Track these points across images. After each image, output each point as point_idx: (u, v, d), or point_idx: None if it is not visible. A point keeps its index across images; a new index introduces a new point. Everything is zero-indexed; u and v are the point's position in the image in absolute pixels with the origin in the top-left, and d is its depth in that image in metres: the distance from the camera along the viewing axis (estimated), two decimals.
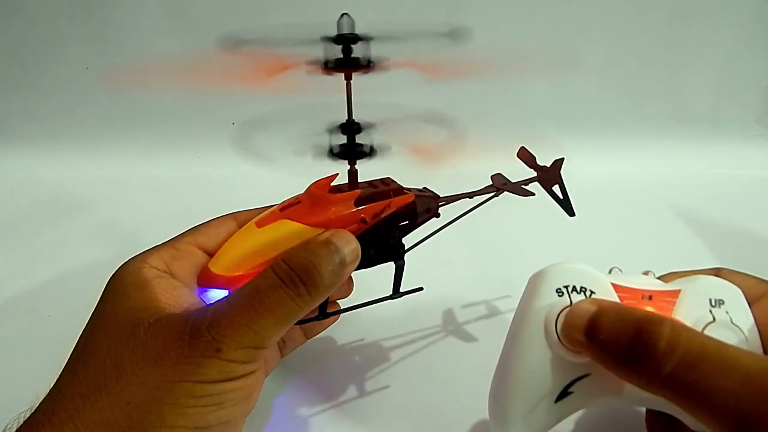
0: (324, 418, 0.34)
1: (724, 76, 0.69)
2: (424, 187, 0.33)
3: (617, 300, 0.25)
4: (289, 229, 0.27)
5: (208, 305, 0.25)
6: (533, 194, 0.36)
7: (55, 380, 0.25)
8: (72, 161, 0.67)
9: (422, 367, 0.37)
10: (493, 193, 0.35)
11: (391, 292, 0.32)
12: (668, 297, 0.26)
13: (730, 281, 0.27)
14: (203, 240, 0.29)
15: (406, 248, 0.31)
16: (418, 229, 0.32)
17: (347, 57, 0.26)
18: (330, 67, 0.26)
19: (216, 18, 0.64)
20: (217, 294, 0.27)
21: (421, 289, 0.33)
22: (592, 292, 0.26)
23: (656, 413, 0.28)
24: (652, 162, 0.68)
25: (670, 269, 0.30)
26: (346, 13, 0.25)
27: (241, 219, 0.31)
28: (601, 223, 0.56)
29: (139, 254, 0.28)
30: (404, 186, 0.31)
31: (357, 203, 0.28)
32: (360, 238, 0.27)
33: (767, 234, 0.54)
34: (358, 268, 0.28)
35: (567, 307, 0.25)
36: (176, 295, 0.26)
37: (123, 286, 0.27)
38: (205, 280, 0.28)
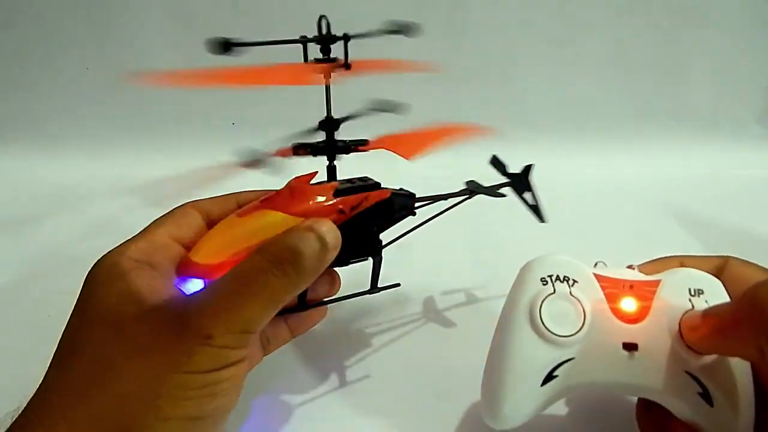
0: (308, 408, 0.34)
1: (724, 76, 0.69)
2: (401, 188, 0.33)
3: (599, 289, 0.26)
4: (270, 219, 0.27)
5: (192, 293, 0.25)
6: (504, 195, 0.37)
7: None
8: (72, 161, 0.67)
9: (404, 355, 0.38)
10: (466, 196, 0.36)
11: (369, 287, 0.33)
12: (649, 286, 0.26)
13: (738, 271, 0.28)
14: (177, 232, 0.29)
15: (383, 244, 0.32)
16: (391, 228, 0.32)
17: (326, 57, 0.27)
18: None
19: (216, 18, 0.64)
20: (198, 284, 0.27)
21: (398, 285, 0.33)
22: (574, 282, 0.27)
23: (646, 402, 0.28)
24: (652, 162, 0.68)
25: None
26: (323, 16, 0.26)
27: (199, 205, 0.30)
28: (600, 222, 0.56)
29: (116, 247, 0.28)
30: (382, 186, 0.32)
31: (336, 194, 0.29)
32: (338, 228, 0.28)
33: (767, 234, 0.54)
34: (337, 265, 0.29)
35: (550, 294, 0.26)
36: (157, 285, 0.26)
37: (103, 280, 0.26)
38: (186, 269, 0.28)
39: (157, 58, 0.66)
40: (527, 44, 0.67)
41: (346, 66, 0.27)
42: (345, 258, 0.30)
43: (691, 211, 0.58)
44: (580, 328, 0.25)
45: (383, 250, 0.32)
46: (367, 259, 0.32)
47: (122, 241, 0.28)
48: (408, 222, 0.33)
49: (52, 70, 0.67)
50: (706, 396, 0.25)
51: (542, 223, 0.37)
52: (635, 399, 0.30)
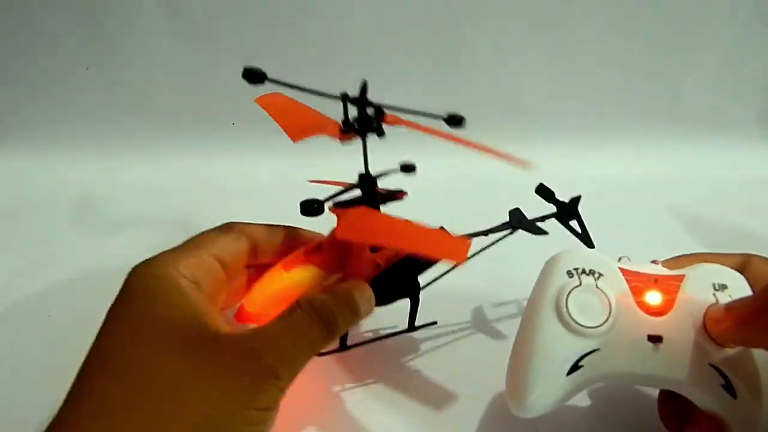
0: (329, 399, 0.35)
1: (724, 76, 0.69)
2: (441, 227, 0.35)
3: (624, 282, 0.27)
4: (312, 275, 0.30)
5: (257, 329, 0.26)
6: (546, 233, 0.38)
7: (72, 385, 0.24)
8: (72, 162, 0.67)
9: (420, 349, 0.39)
10: (508, 231, 0.37)
11: (407, 326, 0.35)
12: (673, 281, 0.27)
13: (760, 268, 0.28)
14: (221, 254, 0.30)
15: (420, 286, 0.34)
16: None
17: (365, 119, 0.28)
18: (349, 127, 0.28)
19: (216, 19, 0.64)
20: None
21: (435, 323, 0.36)
22: (600, 275, 0.27)
23: (667, 394, 0.29)
24: (651, 162, 0.68)
25: None
26: (366, 81, 0.27)
27: (249, 233, 0.31)
28: (599, 222, 0.55)
29: (166, 257, 0.28)
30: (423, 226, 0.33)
31: (372, 249, 0.31)
32: (376, 279, 0.31)
33: (767, 234, 0.54)
34: (376, 305, 0.31)
35: (576, 287, 0.27)
36: (212, 310, 0.27)
37: (158, 293, 0.26)
38: (242, 316, 0.30)
39: (158, 59, 0.66)
40: (526, 45, 0.67)
41: (380, 134, 0.28)
42: (383, 301, 0.32)
43: (690, 211, 0.58)
44: (606, 320, 0.26)
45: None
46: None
47: (165, 250, 0.29)
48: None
49: (53, 71, 0.67)
50: (729, 388, 0.25)
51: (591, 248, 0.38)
52: (656, 393, 0.30)
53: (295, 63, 0.65)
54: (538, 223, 0.38)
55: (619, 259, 0.29)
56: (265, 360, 0.25)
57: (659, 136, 0.70)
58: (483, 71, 0.67)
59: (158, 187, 0.63)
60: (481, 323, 0.42)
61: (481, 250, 0.36)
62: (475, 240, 0.35)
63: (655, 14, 0.66)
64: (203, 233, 0.31)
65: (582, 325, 0.26)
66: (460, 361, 0.38)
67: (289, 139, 0.26)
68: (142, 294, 0.26)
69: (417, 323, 0.36)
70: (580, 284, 0.27)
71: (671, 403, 0.29)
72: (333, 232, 0.31)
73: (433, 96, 0.67)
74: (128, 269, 0.27)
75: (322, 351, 0.28)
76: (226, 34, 0.65)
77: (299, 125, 0.28)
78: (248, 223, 0.32)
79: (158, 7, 0.63)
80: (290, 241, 0.32)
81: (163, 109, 0.68)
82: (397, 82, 0.66)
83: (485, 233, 0.36)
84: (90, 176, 0.65)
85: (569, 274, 0.27)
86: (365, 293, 0.29)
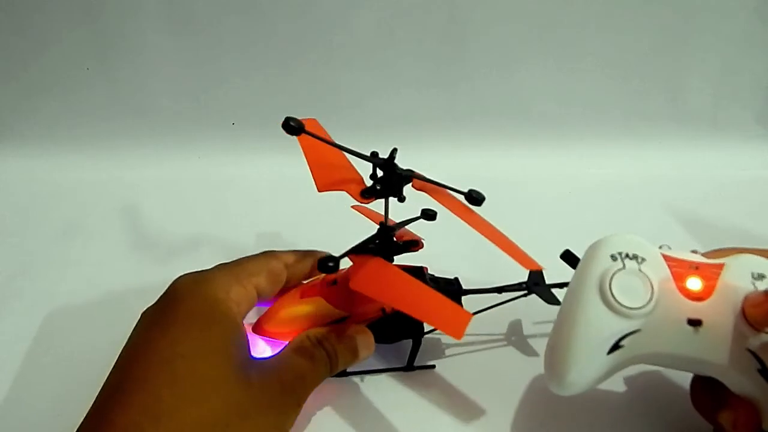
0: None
1: (724, 76, 0.69)
2: (455, 278, 0.38)
3: (666, 268, 0.28)
4: (323, 309, 0.33)
5: (283, 362, 0.29)
6: (560, 303, 0.38)
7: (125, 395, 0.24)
8: (72, 162, 0.67)
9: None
10: (523, 292, 0.39)
11: (406, 364, 0.37)
12: (713, 269, 0.28)
13: None
14: (262, 287, 0.32)
15: (424, 331, 0.36)
16: None
17: (391, 183, 0.29)
18: (372, 190, 0.29)
19: (217, 19, 0.64)
20: (262, 345, 0.33)
21: (433, 366, 0.38)
22: (643, 260, 0.28)
23: (701, 379, 0.30)
24: (651, 162, 0.68)
25: None
26: (395, 148, 0.28)
27: (286, 262, 0.33)
28: (599, 222, 0.56)
29: (219, 280, 0.29)
30: (437, 275, 0.37)
31: None
32: (379, 321, 0.34)
33: (767, 234, 0.54)
34: (380, 343, 0.34)
35: (620, 269, 0.27)
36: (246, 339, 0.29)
37: (216, 315, 0.27)
38: (260, 331, 0.33)
39: (158, 59, 0.66)
40: (527, 47, 0.67)
41: (401, 199, 0.30)
42: (387, 340, 0.35)
43: (690, 211, 0.59)
44: (648, 302, 0.27)
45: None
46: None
47: (212, 270, 0.30)
48: None
49: (53, 71, 0.66)
50: (764, 372, 0.26)
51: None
52: (688, 380, 0.31)
53: (296, 64, 0.65)
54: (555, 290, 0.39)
55: (660, 247, 0.30)
56: (295, 393, 0.28)
57: (659, 136, 0.70)
58: (484, 72, 0.67)
59: (158, 187, 0.63)
60: (515, 336, 0.42)
61: (490, 307, 0.37)
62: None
63: (655, 15, 0.66)
64: (248, 261, 0.32)
65: (625, 306, 0.27)
66: (487, 369, 0.39)
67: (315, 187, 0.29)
68: (197, 311, 0.27)
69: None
70: (624, 267, 0.28)
71: (705, 388, 0.30)
72: (347, 273, 0.33)
73: (436, 97, 0.68)
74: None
75: None
76: (226, 34, 0.65)
77: (328, 179, 0.30)
78: (286, 253, 0.34)
79: (158, 7, 0.63)
80: (313, 269, 0.35)
81: (163, 109, 0.68)
82: (400, 85, 0.67)
83: (498, 290, 0.38)
84: (90, 176, 0.65)
85: (613, 258, 0.28)
86: (367, 339, 0.33)
